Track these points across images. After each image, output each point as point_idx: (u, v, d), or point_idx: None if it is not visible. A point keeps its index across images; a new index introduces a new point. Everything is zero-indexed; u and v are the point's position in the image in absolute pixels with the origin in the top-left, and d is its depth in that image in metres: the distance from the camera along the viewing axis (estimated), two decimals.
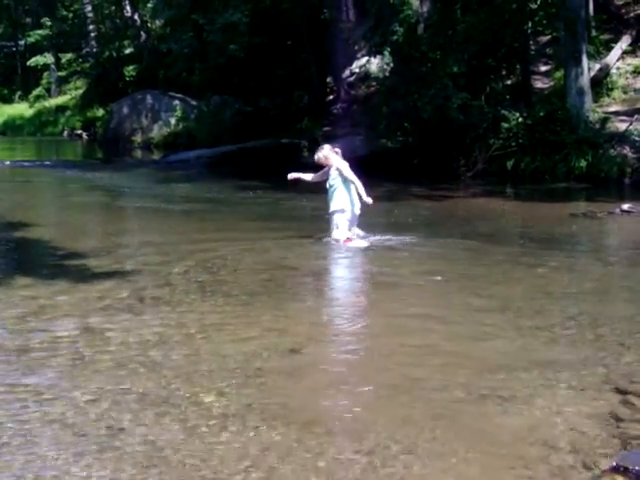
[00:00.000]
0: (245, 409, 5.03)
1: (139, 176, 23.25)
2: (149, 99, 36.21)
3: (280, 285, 8.79)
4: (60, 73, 53.57)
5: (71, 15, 55.48)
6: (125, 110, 37.13)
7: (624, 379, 5.56)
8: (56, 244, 10.95)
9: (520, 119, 20.49)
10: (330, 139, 23.00)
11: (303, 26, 28.67)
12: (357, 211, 11.03)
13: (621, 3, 26.39)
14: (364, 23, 28.44)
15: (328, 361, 6.23)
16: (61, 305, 7.56)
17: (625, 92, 22.29)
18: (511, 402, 5.17)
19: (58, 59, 53.32)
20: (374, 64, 28.37)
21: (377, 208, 15.90)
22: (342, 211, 10.92)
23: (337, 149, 11.29)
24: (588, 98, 20.32)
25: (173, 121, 34.28)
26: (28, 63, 54.92)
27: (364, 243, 10.76)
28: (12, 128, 49.88)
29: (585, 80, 20.25)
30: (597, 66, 22.27)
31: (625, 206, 13.88)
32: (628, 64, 23.24)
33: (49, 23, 53.20)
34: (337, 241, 10.81)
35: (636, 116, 19.80)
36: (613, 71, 22.77)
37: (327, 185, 11.10)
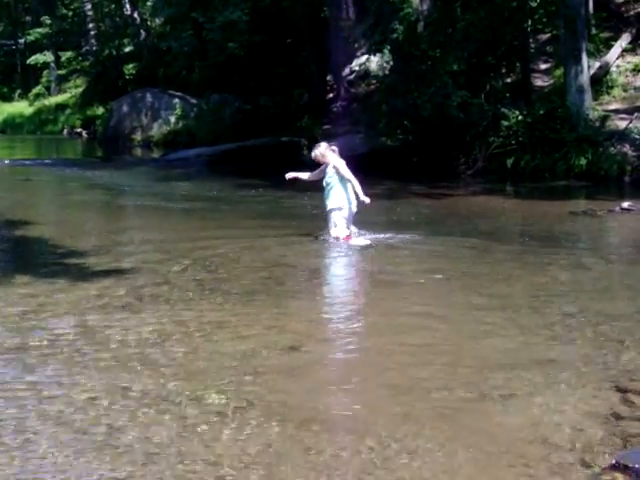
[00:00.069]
0: (244, 407, 5.02)
1: (139, 174, 23.25)
2: (149, 97, 36.17)
3: (280, 283, 8.79)
4: (60, 71, 53.51)
5: (71, 13, 55.38)
6: (125, 108, 37.09)
7: (624, 377, 5.56)
8: (56, 242, 10.95)
9: (520, 117, 20.47)
10: (330, 137, 22.98)
11: (303, 24, 28.65)
12: (354, 209, 11.02)
13: (621, 1, 26.36)
14: (364, 21, 28.41)
15: (328, 359, 6.23)
16: (60, 303, 7.55)
17: (625, 90, 22.26)
18: (511, 400, 5.17)
19: (58, 57, 53.24)
20: (374, 62, 28.34)
21: (377, 206, 15.89)
22: (339, 209, 10.91)
23: (334, 147, 11.30)
24: (588, 96, 20.30)
25: (173, 119, 34.24)
26: (28, 61, 54.85)
27: (365, 241, 10.75)
28: (12, 126, 49.81)
29: (585, 78, 20.22)
30: (597, 64, 22.24)
31: (625, 204, 13.87)
32: (628, 62, 23.21)
33: (49, 21, 53.12)
34: (337, 239, 10.80)
35: (636, 114, 19.78)
36: (613, 69, 22.75)
37: (324, 183, 11.10)
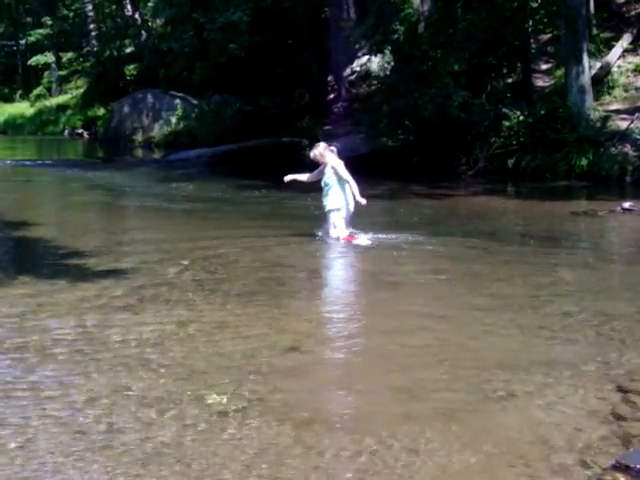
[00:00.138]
0: (245, 407, 5.02)
1: (140, 175, 23.24)
2: (150, 98, 36.18)
3: (280, 283, 8.79)
4: (61, 72, 53.54)
5: (72, 14, 55.42)
6: (126, 109, 37.11)
7: (625, 377, 5.55)
8: (57, 243, 10.95)
9: (521, 117, 20.46)
10: (331, 138, 22.99)
11: (304, 25, 28.65)
12: (351, 209, 11.03)
13: (622, 1, 26.34)
14: (365, 21, 28.41)
15: (329, 359, 6.23)
16: (61, 303, 7.55)
17: (626, 90, 22.25)
18: (512, 400, 5.17)
19: (59, 58, 53.28)
20: (375, 63, 28.35)
21: (378, 206, 15.92)
22: (338, 209, 10.93)
23: (333, 147, 11.31)
24: (589, 96, 20.29)
25: (174, 120, 34.23)
26: (29, 62, 54.89)
27: (366, 241, 10.75)
28: (13, 127, 49.84)
29: (586, 78, 20.22)
30: (598, 64, 22.23)
31: (626, 204, 13.86)
32: (629, 62, 23.20)
33: (50, 22, 53.14)
34: (337, 239, 10.81)
35: (637, 114, 19.77)
36: (614, 69, 22.73)
37: (322, 183, 11.12)
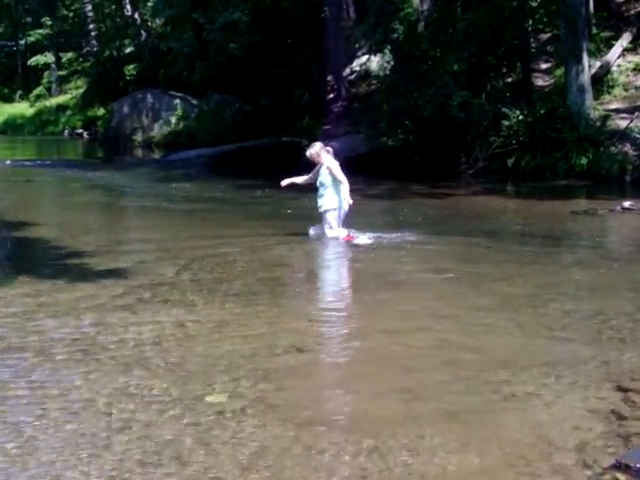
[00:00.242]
0: (245, 407, 5.02)
1: (140, 175, 23.25)
2: (150, 98, 36.18)
3: (281, 283, 8.80)
4: (61, 72, 53.53)
5: (71, 14, 55.41)
6: (126, 109, 37.11)
7: (625, 376, 5.55)
8: (57, 243, 10.95)
9: (521, 117, 20.46)
10: (331, 137, 23.00)
11: (303, 24, 28.65)
12: (346, 209, 11.07)
13: (621, 0, 26.34)
14: (364, 21, 28.40)
15: (329, 359, 6.23)
16: (61, 303, 7.55)
17: (626, 89, 22.25)
18: (512, 400, 5.17)
19: (59, 58, 53.27)
20: (374, 62, 28.37)
21: (378, 206, 15.94)
22: (333, 210, 10.96)
23: (329, 148, 11.34)
24: (589, 96, 20.29)
25: (174, 120, 34.24)
26: (29, 62, 54.90)
27: (367, 240, 10.76)
28: (13, 127, 49.84)
29: (586, 78, 20.22)
30: (598, 63, 22.24)
31: (626, 203, 13.86)
32: (629, 61, 23.21)
33: (49, 22, 53.15)
34: (337, 239, 10.83)
35: (637, 113, 19.77)
36: (614, 68, 22.74)
37: (317, 183, 11.16)
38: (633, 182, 18.20)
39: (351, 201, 10.98)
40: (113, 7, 50.38)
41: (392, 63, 24.85)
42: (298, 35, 29.48)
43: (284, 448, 4.47)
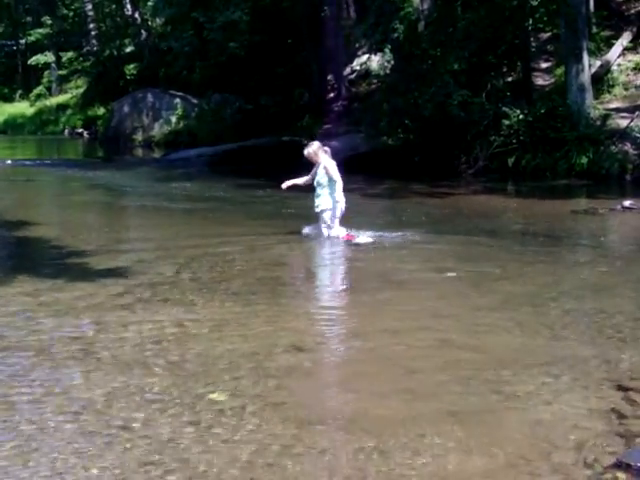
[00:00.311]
0: (245, 406, 5.02)
1: (140, 174, 23.24)
2: (150, 97, 36.16)
3: (281, 283, 8.79)
4: (61, 72, 53.51)
5: (72, 14, 55.39)
6: (126, 108, 37.09)
7: (626, 376, 5.55)
8: (57, 242, 10.95)
9: (521, 116, 20.45)
10: (331, 137, 23.01)
11: (303, 24, 28.65)
12: (343, 209, 11.09)
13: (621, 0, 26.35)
14: (365, 20, 28.39)
15: (330, 359, 6.23)
16: (61, 302, 7.55)
17: (626, 89, 22.24)
18: (513, 399, 5.17)
19: (59, 58, 53.25)
20: (375, 61, 28.35)
21: (378, 205, 15.94)
22: (330, 209, 10.97)
23: (327, 148, 11.36)
24: (589, 95, 20.29)
25: (174, 119, 34.23)
26: (29, 62, 54.89)
27: (367, 239, 10.77)
28: (13, 127, 49.83)
29: (586, 77, 20.21)
30: (598, 63, 22.23)
31: (626, 203, 13.86)
32: (629, 60, 23.20)
33: (50, 22, 53.15)
34: (337, 238, 10.83)
35: (637, 113, 19.76)
36: (614, 68, 22.73)
37: (315, 183, 11.17)
38: (633, 181, 18.19)
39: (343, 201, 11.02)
40: (113, 6, 50.35)
41: (392, 62, 24.82)
42: (298, 34, 29.48)
43: (284, 447, 4.47)
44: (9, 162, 26.67)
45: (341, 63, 29.19)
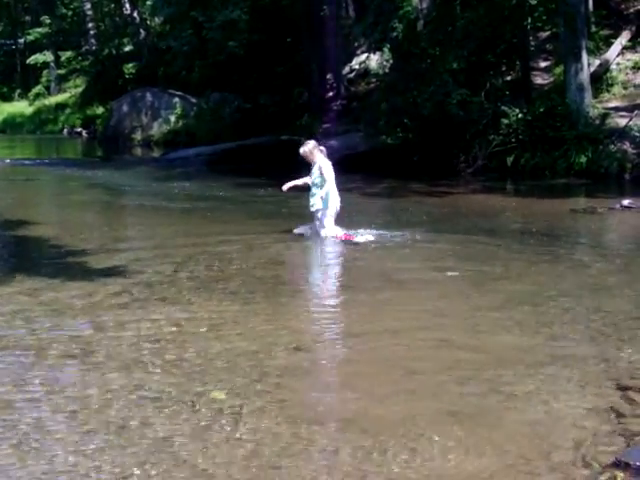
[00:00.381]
0: (247, 406, 5.02)
1: (139, 174, 23.24)
2: (149, 97, 36.16)
3: (280, 282, 8.78)
4: (60, 71, 53.53)
5: (70, 13, 55.42)
6: (125, 108, 37.08)
7: (625, 375, 5.55)
8: (55, 241, 10.94)
9: (520, 115, 20.45)
10: (330, 136, 23.03)
11: (302, 23, 28.64)
12: (338, 208, 11.10)
13: None
14: (364, 19, 28.42)
15: (330, 358, 6.22)
16: (59, 302, 7.55)
17: (625, 88, 22.24)
18: (512, 398, 5.17)
19: (58, 57, 53.27)
20: (374, 60, 28.36)
21: (378, 205, 15.93)
22: (326, 209, 10.98)
23: (322, 147, 11.37)
24: (588, 94, 20.28)
25: (173, 118, 34.23)
26: (28, 61, 54.92)
27: (366, 238, 10.77)
28: (12, 126, 49.85)
29: (585, 76, 20.21)
30: (597, 62, 22.22)
31: (625, 202, 13.86)
32: (628, 60, 23.19)
33: (48, 21, 53.16)
34: (333, 237, 10.84)
35: (636, 112, 19.75)
36: (613, 67, 22.72)
37: (310, 183, 11.18)
38: (632, 180, 18.19)
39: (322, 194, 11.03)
40: (112, 6, 50.41)
41: (391, 61, 24.83)
42: (297, 34, 29.48)
43: (282, 447, 4.47)
44: (8, 161, 26.68)
45: (340, 62, 29.16)
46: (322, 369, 5.99)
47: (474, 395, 5.24)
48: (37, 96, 52.87)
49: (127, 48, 46.22)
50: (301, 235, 11.13)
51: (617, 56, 23.06)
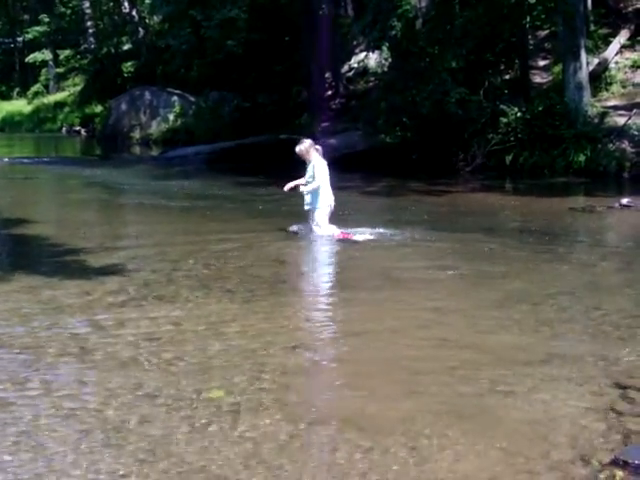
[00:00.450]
0: (249, 406, 5.01)
1: (138, 172, 23.22)
2: (147, 95, 36.15)
3: (280, 281, 8.77)
4: (58, 69, 53.50)
5: (69, 12, 55.32)
6: (123, 106, 37.06)
7: (624, 374, 5.55)
8: (54, 240, 10.93)
9: (519, 114, 20.46)
10: (329, 135, 23.02)
11: (301, 22, 28.62)
12: (332, 207, 11.11)
13: None
14: (362, 18, 28.39)
15: (329, 357, 6.21)
16: (57, 300, 7.54)
17: (624, 86, 22.25)
18: (511, 397, 5.17)
19: (56, 55, 53.24)
20: (372, 59, 28.36)
21: (377, 203, 15.93)
22: (320, 207, 10.99)
23: (318, 146, 11.37)
24: (587, 92, 20.30)
25: (171, 117, 34.22)
26: (26, 60, 54.90)
27: (365, 236, 10.77)
28: (10, 124, 49.81)
29: (584, 74, 20.22)
30: (596, 60, 22.24)
31: (624, 200, 13.87)
32: (626, 58, 23.21)
33: (47, 20, 53.09)
34: (329, 236, 10.84)
35: (635, 110, 19.77)
36: (612, 65, 22.74)
37: (304, 182, 11.18)
38: (631, 179, 18.21)
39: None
40: (111, 4, 50.37)
41: (390, 60, 24.82)
42: (296, 32, 29.44)
43: (281, 445, 4.47)
44: (7, 160, 26.65)
45: (339, 61, 29.16)
46: (321, 368, 5.98)
47: (473, 394, 5.23)
48: (36, 95, 52.85)
49: (126, 47, 46.21)
50: (295, 233, 11.14)
51: (616, 55, 23.07)
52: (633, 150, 18.86)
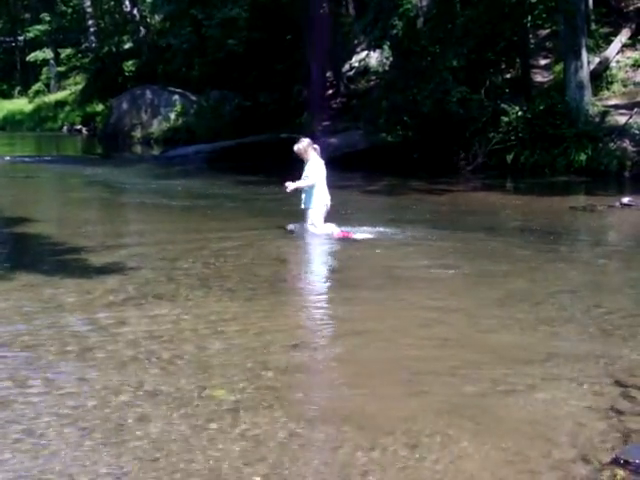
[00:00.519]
0: (249, 404, 5.01)
1: (139, 171, 23.21)
2: (148, 94, 36.15)
3: (280, 279, 8.77)
4: (59, 68, 53.53)
5: (70, 10, 55.35)
6: (124, 105, 37.06)
7: (625, 372, 5.55)
8: (55, 239, 10.93)
9: (520, 113, 20.46)
10: (329, 133, 23.02)
11: (302, 20, 28.63)
12: (328, 206, 11.11)
13: None
14: (363, 17, 28.40)
15: (331, 356, 6.21)
16: (58, 299, 7.53)
17: (625, 85, 22.24)
18: (512, 396, 5.17)
19: (57, 54, 53.28)
20: (374, 58, 28.36)
21: (378, 202, 15.93)
22: (315, 207, 10.99)
23: (316, 146, 11.37)
24: (588, 92, 20.29)
25: (172, 116, 34.22)
26: (27, 58, 54.92)
27: (365, 235, 10.77)
28: (12, 123, 49.85)
29: (585, 74, 20.21)
30: (597, 59, 22.23)
31: (625, 199, 13.86)
32: (628, 57, 23.19)
33: (48, 18, 53.13)
34: (328, 235, 10.84)
35: (636, 109, 19.76)
36: (613, 64, 22.73)
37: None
38: (632, 178, 18.20)
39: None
40: (112, 3, 50.38)
41: (391, 59, 24.84)
42: (297, 31, 29.46)
43: (281, 444, 4.46)
44: (8, 159, 26.66)
45: (340, 60, 29.17)
46: (322, 367, 5.98)
47: (474, 393, 5.23)
48: (37, 93, 52.89)
49: (127, 46, 46.22)
50: (292, 232, 11.13)
51: (617, 54, 23.06)
52: (634, 149, 18.86)
